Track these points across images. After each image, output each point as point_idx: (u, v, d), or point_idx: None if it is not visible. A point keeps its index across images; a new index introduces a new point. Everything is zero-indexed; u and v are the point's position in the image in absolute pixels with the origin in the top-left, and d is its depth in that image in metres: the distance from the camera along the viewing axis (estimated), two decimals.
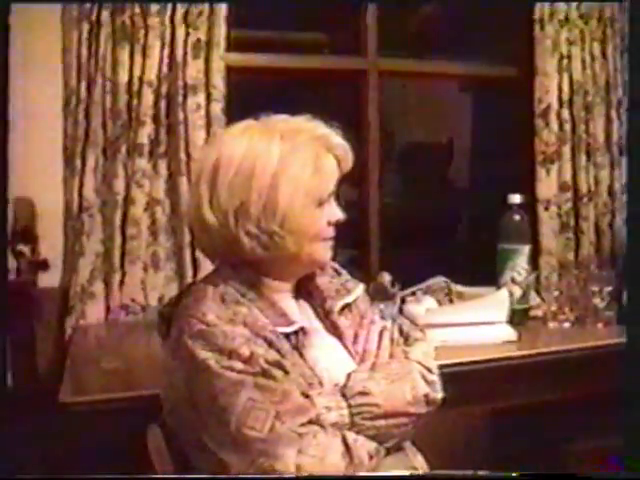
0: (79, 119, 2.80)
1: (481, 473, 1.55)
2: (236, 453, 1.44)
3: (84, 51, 2.80)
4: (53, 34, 2.85)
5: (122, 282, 2.84)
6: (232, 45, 3.00)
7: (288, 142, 1.58)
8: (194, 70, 2.86)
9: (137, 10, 2.82)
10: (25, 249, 2.77)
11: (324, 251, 1.67)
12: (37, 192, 2.80)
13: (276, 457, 1.42)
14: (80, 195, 2.81)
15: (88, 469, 1.96)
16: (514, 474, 1.54)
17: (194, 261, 2.86)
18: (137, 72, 2.81)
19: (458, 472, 1.54)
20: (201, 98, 2.87)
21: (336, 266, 1.81)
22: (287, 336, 1.57)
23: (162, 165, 2.85)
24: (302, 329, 1.60)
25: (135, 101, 2.81)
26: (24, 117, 2.77)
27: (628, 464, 1.46)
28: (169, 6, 2.84)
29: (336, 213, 1.65)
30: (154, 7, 2.82)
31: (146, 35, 2.82)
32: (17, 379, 2.70)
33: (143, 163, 2.81)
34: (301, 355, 1.58)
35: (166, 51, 2.85)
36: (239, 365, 1.46)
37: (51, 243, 2.86)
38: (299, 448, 1.43)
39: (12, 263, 2.68)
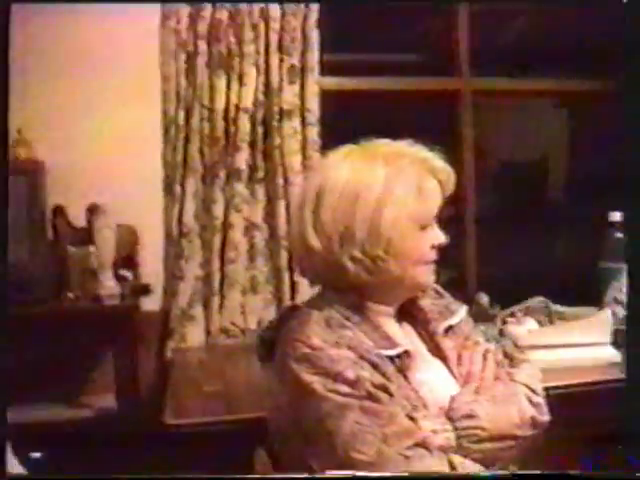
0: (178, 146, 2.87)
1: (481, 474, 1.52)
2: None
3: (182, 80, 2.87)
4: (152, 64, 2.93)
5: (221, 305, 2.88)
6: (326, 69, 3.03)
7: (391, 166, 1.58)
8: (289, 95, 2.90)
9: (232, 39, 2.87)
10: (128, 274, 2.85)
11: (427, 274, 1.66)
12: (139, 219, 2.87)
13: None
14: (180, 221, 2.87)
15: None
16: (514, 474, 1.51)
17: (292, 284, 2.89)
18: (234, 99, 2.87)
19: (458, 473, 1.51)
20: (296, 123, 2.91)
21: (438, 288, 1.80)
22: (391, 359, 1.56)
23: (260, 190, 2.89)
24: (406, 352, 1.59)
25: (232, 127, 2.87)
26: (125, 146, 2.86)
27: None
28: (263, 34, 2.88)
29: (439, 236, 1.64)
30: (248, 35, 2.87)
31: (241, 63, 2.87)
32: (120, 400, 2.77)
33: (241, 188, 2.86)
34: (405, 378, 1.57)
35: (261, 78, 2.89)
36: (345, 388, 1.46)
37: (152, 268, 2.93)
38: (406, 471, 1.42)
39: (116, 288, 2.74)
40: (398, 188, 1.56)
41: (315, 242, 1.58)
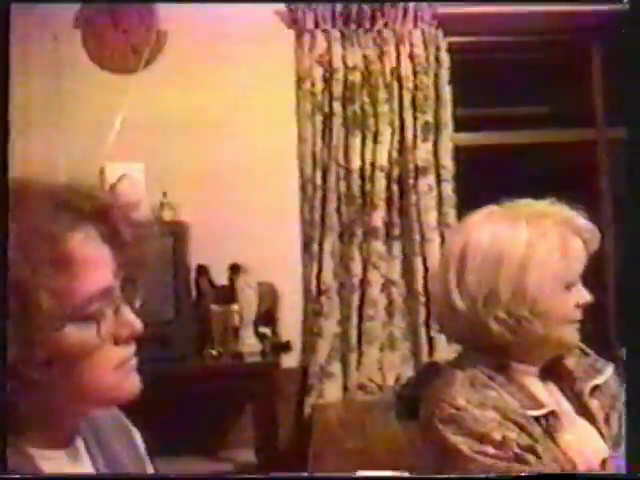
0: (316, 205, 2.93)
1: (480, 475, 1.45)
2: None
3: (318, 140, 2.94)
4: (288, 126, 3.02)
5: (359, 362, 2.90)
6: (458, 124, 3.04)
7: (534, 227, 1.57)
8: (423, 152, 2.93)
9: (366, 99, 2.93)
10: (267, 331, 2.91)
11: (572, 334, 1.63)
12: (278, 277, 2.94)
13: None
14: (318, 278, 2.92)
15: None
16: (514, 474, 1.44)
17: (430, 340, 2.88)
18: (369, 158, 2.92)
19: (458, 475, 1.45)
20: (431, 179, 2.93)
21: (583, 346, 1.77)
22: (538, 420, 1.54)
23: (396, 247, 2.92)
24: (552, 412, 1.56)
25: (368, 186, 2.91)
26: (265, 206, 2.94)
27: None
28: (396, 93, 2.93)
29: (584, 295, 1.62)
30: (382, 95, 2.92)
31: (376, 122, 2.92)
32: (259, 454, 2.81)
33: (378, 245, 2.90)
34: (553, 439, 1.54)
35: (396, 135, 2.93)
36: (491, 450, 1.44)
37: (291, 325, 2.99)
38: None
39: (257, 345, 2.80)
40: (542, 249, 1.55)
41: (459, 303, 1.58)
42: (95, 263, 0.96)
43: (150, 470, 1.19)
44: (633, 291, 1.20)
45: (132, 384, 1.01)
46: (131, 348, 1.00)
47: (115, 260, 0.99)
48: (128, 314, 0.99)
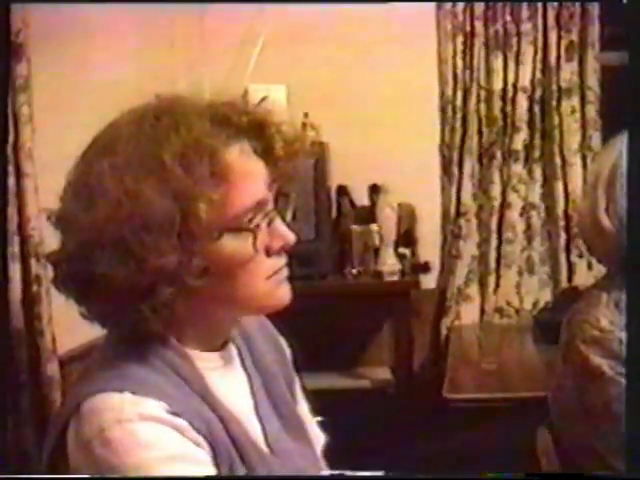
0: (456, 127, 2.92)
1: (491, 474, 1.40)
2: (626, 461, 1.42)
3: (459, 62, 2.91)
4: (429, 47, 2.99)
5: (497, 285, 2.90)
6: (606, 44, 2.94)
7: None
8: (568, 73, 2.85)
9: (508, 18, 2.86)
10: (406, 252, 2.93)
11: None
12: (418, 198, 2.95)
13: None
14: (458, 200, 2.92)
15: (469, 466, 2.03)
16: (527, 474, 1.39)
17: (569, 265, 2.85)
18: (511, 79, 2.87)
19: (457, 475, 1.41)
20: (575, 101, 2.85)
21: None
22: None
23: (537, 170, 2.88)
24: None
25: (509, 108, 2.87)
26: (405, 128, 2.94)
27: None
28: (540, 11, 2.85)
29: None
30: (525, 13, 2.85)
31: (519, 42, 2.86)
32: (396, 372, 2.87)
33: (519, 168, 2.86)
34: None
35: (539, 56, 2.86)
36: None
37: (430, 246, 3.01)
38: None
39: (397, 265, 2.83)
40: None
41: (607, 222, 1.56)
42: (251, 176, 1.00)
43: (297, 379, 1.24)
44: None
45: (283, 293, 1.04)
46: (283, 259, 1.04)
47: (269, 174, 1.03)
48: (281, 226, 1.03)
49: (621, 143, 1.61)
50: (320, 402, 1.30)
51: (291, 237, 1.03)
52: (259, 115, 1.05)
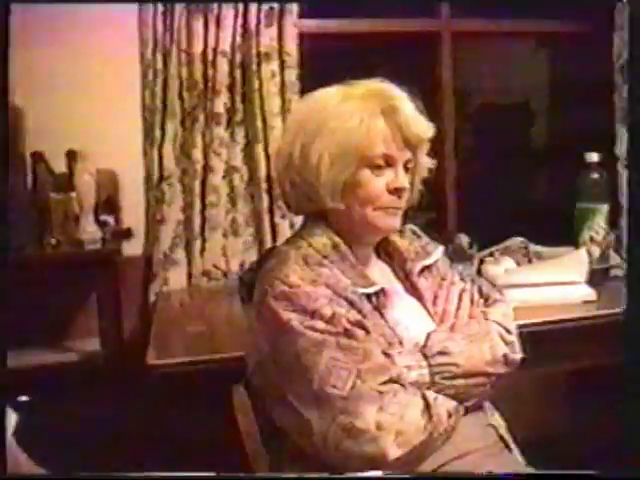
0: (156, 91, 2.86)
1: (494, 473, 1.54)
2: (318, 410, 1.47)
3: (159, 24, 2.85)
4: (129, 9, 2.90)
5: (203, 249, 2.90)
6: (304, 11, 3.00)
7: (344, 99, 1.59)
8: (267, 38, 2.88)
9: None
10: (109, 219, 2.86)
11: (383, 218, 1.62)
12: (119, 164, 2.88)
13: (357, 415, 1.44)
14: (160, 165, 2.87)
15: (175, 428, 2.02)
16: (513, 474, 1.53)
17: (273, 226, 2.91)
18: (211, 43, 2.85)
19: (459, 473, 1.54)
20: (275, 65, 2.89)
21: (415, 229, 1.82)
22: (368, 297, 1.59)
23: (239, 133, 2.89)
24: (382, 290, 1.61)
25: (210, 71, 2.85)
26: (104, 91, 2.84)
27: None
28: None
29: (397, 181, 1.60)
30: None
31: (219, 6, 2.84)
32: (104, 343, 2.80)
33: (221, 132, 2.87)
34: (382, 315, 1.59)
35: (239, 20, 2.87)
36: (322, 325, 1.48)
37: (133, 212, 2.94)
38: (379, 406, 1.45)
39: (97, 233, 2.75)
40: (337, 119, 1.57)
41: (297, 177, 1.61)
42: None
43: None
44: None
45: None
46: None
47: None
48: None
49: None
50: (27, 379, 1.24)
51: None
52: None
